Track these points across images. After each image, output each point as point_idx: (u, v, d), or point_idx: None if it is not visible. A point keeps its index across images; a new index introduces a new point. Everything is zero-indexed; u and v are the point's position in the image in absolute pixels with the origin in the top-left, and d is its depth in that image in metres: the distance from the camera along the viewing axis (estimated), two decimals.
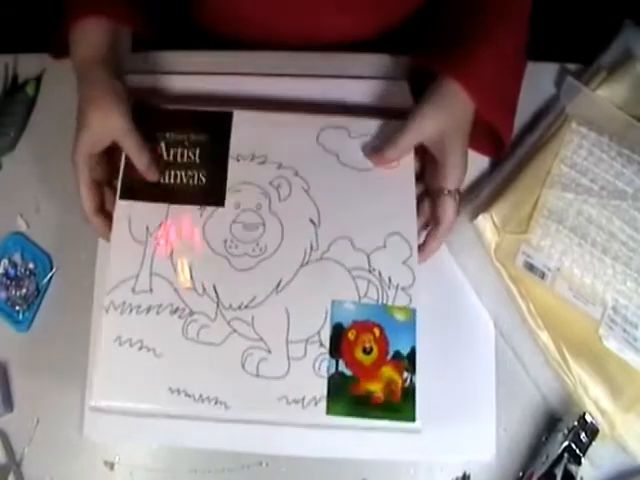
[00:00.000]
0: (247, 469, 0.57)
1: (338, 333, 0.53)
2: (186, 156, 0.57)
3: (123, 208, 0.56)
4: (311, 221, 0.56)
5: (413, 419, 0.51)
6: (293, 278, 0.55)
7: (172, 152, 0.57)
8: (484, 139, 0.60)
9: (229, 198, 0.56)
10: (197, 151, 0.58)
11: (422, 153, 0.58)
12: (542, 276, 0.58)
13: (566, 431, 0.54)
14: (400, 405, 0.52)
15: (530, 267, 0.58)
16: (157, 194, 0.56)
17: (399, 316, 0.54)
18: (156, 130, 0.58)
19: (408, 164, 0.58)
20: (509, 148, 0.62)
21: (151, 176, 0.56)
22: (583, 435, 0.54)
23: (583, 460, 0.54)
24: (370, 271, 0.55)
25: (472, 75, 0.55)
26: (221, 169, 0.57)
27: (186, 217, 0.56)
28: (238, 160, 0.58)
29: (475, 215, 0.59)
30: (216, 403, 0.52)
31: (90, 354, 0.58)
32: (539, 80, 0.66)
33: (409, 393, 0.52)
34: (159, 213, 0.56)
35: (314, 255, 0.55)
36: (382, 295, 0.54)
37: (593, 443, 0.54)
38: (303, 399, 0.52)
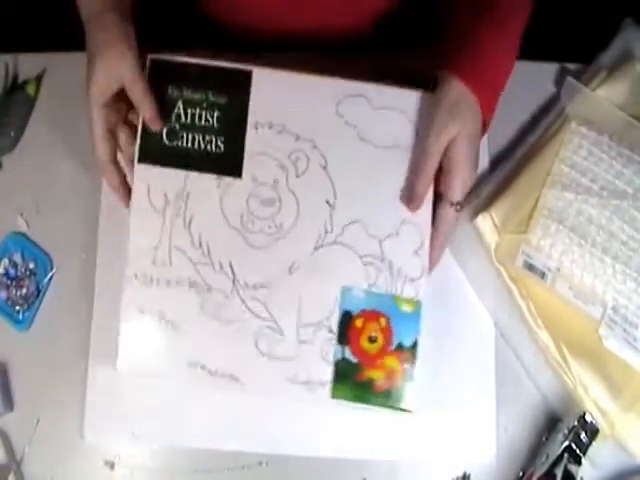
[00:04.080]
0: (247, 469, 0.57)
1: (346, 320, 0.54)
2: (204, 119, 0.56)
3: (141, 172, 0.56)
4: (327, 202, 0.56)
5: (410, 409, 0.53)
6: (306, 261, 0.55)
7: (190, 113, 0.56)
8: None
9: (247, 169, 0.56)
10: (215, 114, 0.56)
11: None
12: (542, 276, 0.58)
13: (566, 431, 0.54)
14: (399, 394, 0.53)
15: (530, 267, 0.58)
16: (175, 159, 0.56)
17: (405, 308, 0.55)
18: (173, 85, 0.56)
19: None
20: (509, 148, 0.62)
21: (156, 125, 0.55)
22: (583, 435, 0.54)
23: (583, 460, 0.54)
24: (381, 260, 0.55)
25: (479, 76, 0.54)
26: (239, 137, 0.56)
27: (204, 187, 0.56)
28: (256, 128, 0.56)
29: (475, 215, 0.59)
30: (231, 379, 0.54)
31: (91, 335, 0.59)
32: (539, 80, 0.66)
33: (408, 384, 0.53)
34: (177, 181, 0.56)
35: (328, 238, 0.56)
36: (391, 285, 0.55)
37: (593, 443, 0.54)
38: (310, 381, 0.53)
